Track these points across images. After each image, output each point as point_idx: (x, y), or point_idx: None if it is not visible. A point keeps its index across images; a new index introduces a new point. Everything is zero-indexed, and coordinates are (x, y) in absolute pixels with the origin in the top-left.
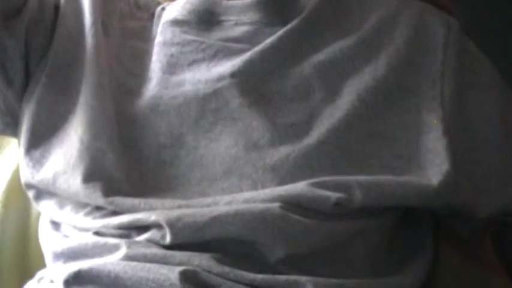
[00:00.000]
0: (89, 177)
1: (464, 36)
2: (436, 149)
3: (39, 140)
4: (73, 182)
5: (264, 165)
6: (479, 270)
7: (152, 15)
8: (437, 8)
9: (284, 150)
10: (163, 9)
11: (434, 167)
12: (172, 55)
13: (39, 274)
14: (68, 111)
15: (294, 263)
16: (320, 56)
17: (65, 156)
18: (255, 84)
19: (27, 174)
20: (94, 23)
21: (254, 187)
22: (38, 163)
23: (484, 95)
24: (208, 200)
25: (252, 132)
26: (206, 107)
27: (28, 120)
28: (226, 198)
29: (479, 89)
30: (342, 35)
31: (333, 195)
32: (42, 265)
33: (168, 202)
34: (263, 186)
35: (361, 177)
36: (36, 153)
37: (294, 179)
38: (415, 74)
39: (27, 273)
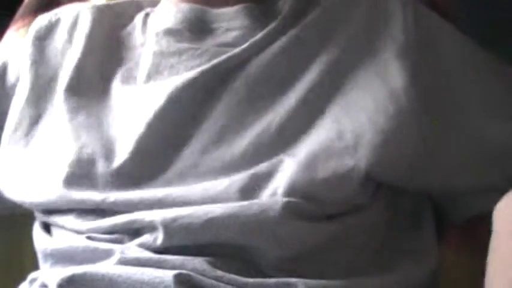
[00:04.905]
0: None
1: (423, 6)
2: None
3: None
4: None
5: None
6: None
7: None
8: (431, 5)
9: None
10: (147, 15)
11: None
12: (172, 66)
13: (32, 275)
14: None
15: (284, 266)
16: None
17: None
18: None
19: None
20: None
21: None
22: None
23: (457, 50)
24: (200, 186)
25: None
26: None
27: None
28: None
29: (452, 42)
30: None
31: None
32: (36, 263)
33: (161, 191)
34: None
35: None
36: None
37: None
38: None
39: (22, 271)
